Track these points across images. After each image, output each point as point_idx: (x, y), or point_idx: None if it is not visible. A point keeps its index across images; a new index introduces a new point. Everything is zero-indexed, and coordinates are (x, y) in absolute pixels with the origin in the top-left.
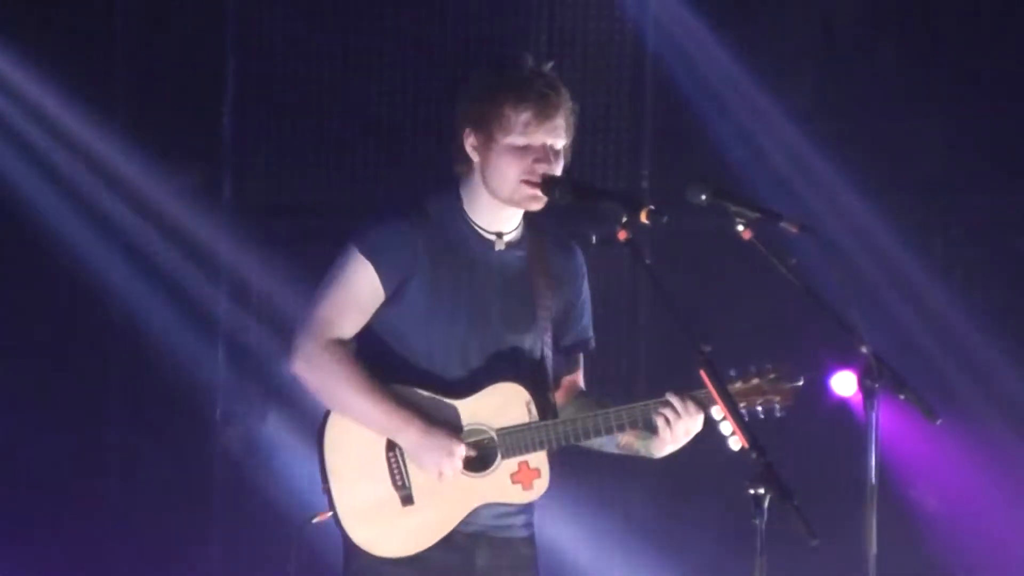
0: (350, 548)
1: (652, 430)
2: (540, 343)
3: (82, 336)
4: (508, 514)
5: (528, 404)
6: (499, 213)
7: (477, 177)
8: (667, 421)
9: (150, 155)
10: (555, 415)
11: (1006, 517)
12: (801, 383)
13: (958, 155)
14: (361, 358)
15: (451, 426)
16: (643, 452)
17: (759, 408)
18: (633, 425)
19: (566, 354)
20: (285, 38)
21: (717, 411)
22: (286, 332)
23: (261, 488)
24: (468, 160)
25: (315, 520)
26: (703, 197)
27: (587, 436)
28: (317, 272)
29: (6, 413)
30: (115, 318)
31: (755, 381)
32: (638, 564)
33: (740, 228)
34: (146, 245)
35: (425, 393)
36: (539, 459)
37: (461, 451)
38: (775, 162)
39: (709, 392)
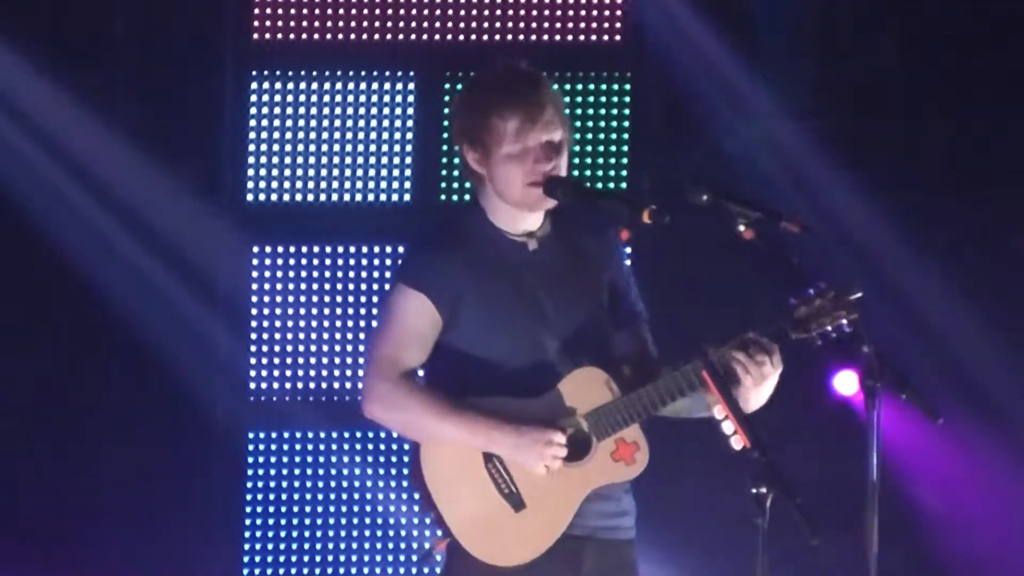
0: (463, 567)
1: (733, 377)
2: (603, 324)
3: (81, 336)
4: (615, 514)
5: (608, 383)
6: (521, 215)
7: (489, 188)
8: (744, 364)
9: (149, 154)
10: (636, 387)
11: (1007, 517)
12: (861, 294)
13: (958, 153)
14: (441, 382)
15: (540, 422)
16: None
17: (829, 328)
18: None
19: (627, 329)
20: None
21: (719, 411)
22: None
23: (261, 490)
24: (476, 174)
25: (435, 551)
26: (704, 197)
27: (672, 397)
28: (318, 272)
29: (5, 413)
30: (115, 318)
31: (817, 303)
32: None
33: (742, 228)
34: (146, 244)
35: (506, 399)
36: (634, 433)
37: (558, 437)
38: (776, 161)
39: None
